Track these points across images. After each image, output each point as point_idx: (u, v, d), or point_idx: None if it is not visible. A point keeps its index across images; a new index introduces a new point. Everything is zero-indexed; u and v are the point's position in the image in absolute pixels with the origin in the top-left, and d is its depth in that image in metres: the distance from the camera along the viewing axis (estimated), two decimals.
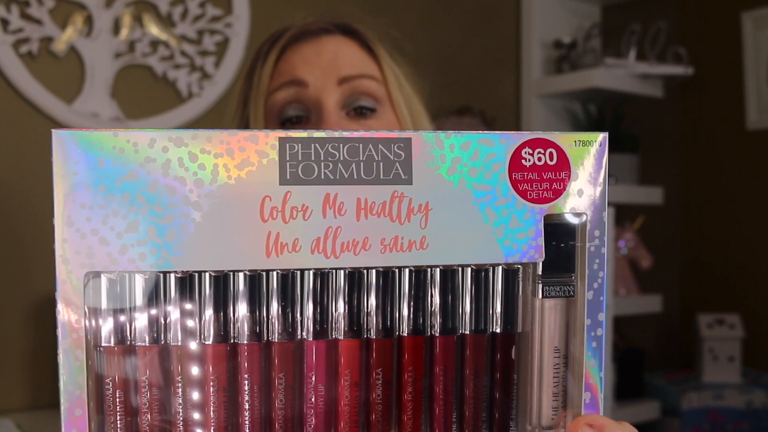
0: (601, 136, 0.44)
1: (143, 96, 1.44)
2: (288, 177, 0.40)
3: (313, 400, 0.43)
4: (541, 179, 0.43)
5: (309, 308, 0.43)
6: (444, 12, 1.83)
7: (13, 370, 1.33)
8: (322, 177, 0.41)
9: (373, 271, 0.43)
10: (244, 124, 0.84)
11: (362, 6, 1.67)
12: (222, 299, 0.42)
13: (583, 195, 0.44)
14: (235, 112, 0.86)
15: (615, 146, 1.92)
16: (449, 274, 0.44)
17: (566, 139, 0.44)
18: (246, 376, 0.42)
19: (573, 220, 0.44)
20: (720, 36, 1.96)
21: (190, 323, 0.42)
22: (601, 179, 0.44)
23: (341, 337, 0.43)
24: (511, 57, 1.96)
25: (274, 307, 0.42)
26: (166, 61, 1.45)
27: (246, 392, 0.42)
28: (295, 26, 0.85)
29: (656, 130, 2.07)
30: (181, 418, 0.42)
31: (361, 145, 0.41)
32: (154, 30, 1.43)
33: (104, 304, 0.40)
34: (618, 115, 1.95)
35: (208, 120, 1.48)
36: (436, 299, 0.44)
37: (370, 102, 0.80)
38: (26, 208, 1.32)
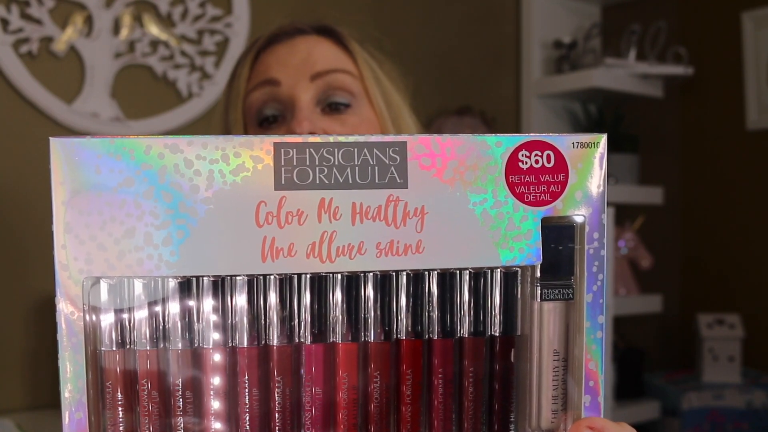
0: (600, 138, 0.44)
1: (143, 96, 1.44)
2: (283, 182, 0.41)
3: (310, 403, 0.43)
4: (538, 182, 0.43)
5: (306, 312, 0.43)
6: (444, 12, 1.83)
7: (13, 370, 1.33)
8: (317, 182, 0.41)
9: (371, 274, 0.43)
10: (227, 129, 0.85)
11: (362, 6, 1.67)
12: (220, 304, 0.42)
13: (581, 197, 0.43)
14: (220, 118, 0.87)
15: (615, 146, 1.92)
16: (447, 277, 0.44)
17: (564, 141, 0.43)
18: (245, 379, 0.42)
19: (571, 222, 0.44)
20: (720, 36, 1.96)
21: (189, 327, 0.42)
22: (600, 181, 0.44)
23: (339, 341, 0.43)
24: (511, 57, 1.96)
25: (272, 311, 0.42)
26: (166, 61, 1.46)
27: (245, 395, 0.42)
28: (271, 30, 0.85)
29: (656, 130, 2.07)
30: (180, 421, 0.42)
31: (356, 149, 0.41)
32: (154, 30, 1.43)
33: (104, 309, 0.41)
34: (618, 115, 1.95)
35: (208, 120, 1.48)
36: (435, 302, 0.44)
37: (345, 96, 0.80)
38: (26, 208, 1.33)
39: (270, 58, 0.82)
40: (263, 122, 0.82)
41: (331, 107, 0.80)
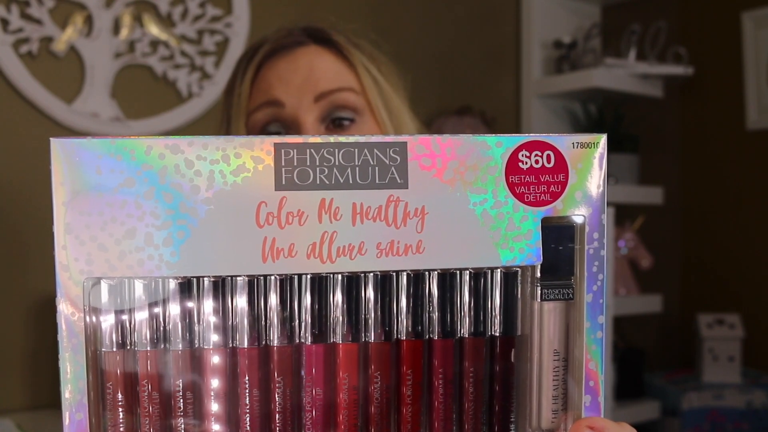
0: (600, 138, 0.44)
1: (143, 96, 1.44)
2: (283, 182, 0.41)
3: (311, 404, 0.43)
4: (538, 182, 0.43)
5: (307, 312, 0.43)
6: (444, 12, 1.83)
7: (13, 370, 1.33)
8: (318, 182, 0.41)
9: (371, 275, 0.43)
10: None
11: (362, 7, 1.67)
12: (220, 304, 0.42)
13: (581, 197, 0.43)
14: (219, 128, 0.87)
15: (615, 146, 1.92)
16: (448, 277, 0.44)
17: (564, 141, 0.43)
18: (245, 380, 0.42)
19: (571, 222, 0.44)
20: (720, 36, 1.96)
21: (190, 328, 0.42)
22: (599, 181, 0.44)
23: (339, 342, 0.43)
24: (511, 57, 1.96)
25: (272, 311, 0.42)
26: (166, 61, 1.46)
27: (245, 396, 0.42)
28: (269, 40, 0.85)
29: (656, 130, 2.07)
30: (181, 423, 0.42)
31: (356, 149, 0.41)
32: (154, 30, 1.44)
33: (104, 310, 0.41)
34: (618, 115, 1.95)
35: (208, 120, 1.48)
36: (435, 303, 0.44)
37: (348, 113, 0.81)
38: (26, 208, 1.33)
39: (271, 75, 0.82)
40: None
41: (335, 123, 0.81)
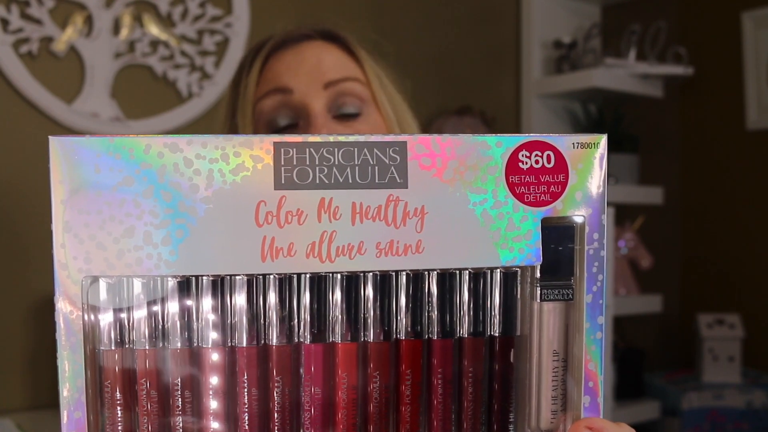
0: (600, 138, 0.44)
1: (143, 96, 1.44)
2: (283, 182, 0.41)
3: (309, 403, 0.43)
4: (538, 182, 0.43)
5: (306, 312, 0.43)
6: (444, 12, 1.83)
7: (13, 370, 1.33)
8: (317, 181, 0.41)
9: (371, 274, 0.43)
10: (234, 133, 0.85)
11: (362, 7, 1.67)
12: (219, 303, 0.42)
13: (581, 197, 0.43)
14: (224, 122, 0.87)
15: (615, 146, 1.92)
16: (447, 277, 0.44)
17: (564, 141, 0.43)
18: (244, 378, 0.42)
19: (571, 222, 0.44)
20: (720, 36, 1.96)
21: (188, 326, 0.42)
22: (600, 181, 0.44)
23: (338, 341, 0.43)
24: (511, 57, 1.96)
25: (271, 310, 0.42)
26: (166, 61, 1.46)
27: (244, 395, 0.42)
28: (276, 35, 0.86)
29: (656, 130, 2.07)
30: (179, 421, 0.42)
31: (356, 149, 0.41)
32: (154, 30, 1.43)
33: (103, 308, 0.41)
34: (618, 115, 1.95)
35: (209, 120, 1.48)
36: (434, 302, 0.44)
37: (356, 104, 0.81)
38: (26, 208, 1.33)
39: (279, 65, 0.83)
40: (276, 132, 0.82)
41: (343, 114, 0.81)
